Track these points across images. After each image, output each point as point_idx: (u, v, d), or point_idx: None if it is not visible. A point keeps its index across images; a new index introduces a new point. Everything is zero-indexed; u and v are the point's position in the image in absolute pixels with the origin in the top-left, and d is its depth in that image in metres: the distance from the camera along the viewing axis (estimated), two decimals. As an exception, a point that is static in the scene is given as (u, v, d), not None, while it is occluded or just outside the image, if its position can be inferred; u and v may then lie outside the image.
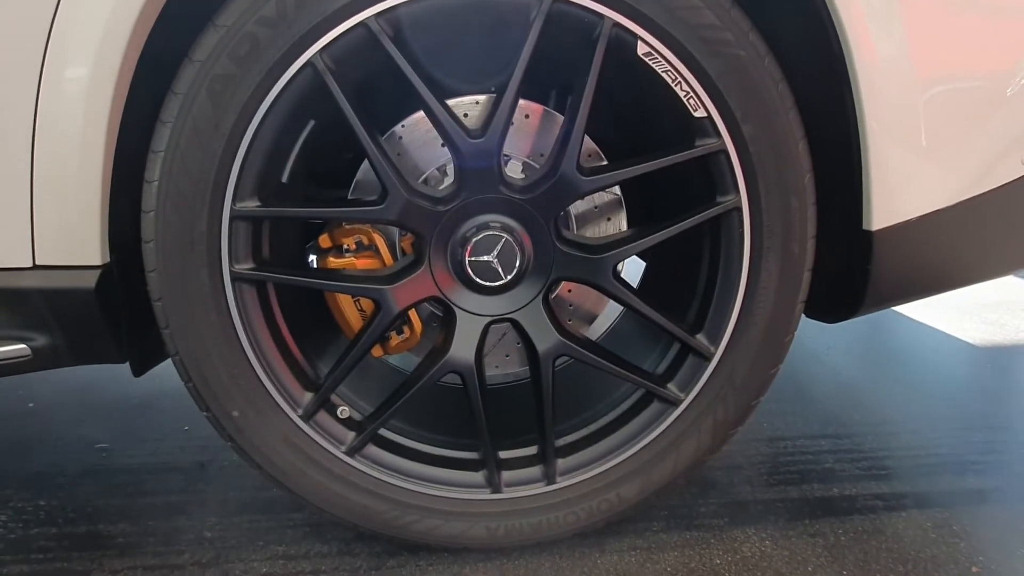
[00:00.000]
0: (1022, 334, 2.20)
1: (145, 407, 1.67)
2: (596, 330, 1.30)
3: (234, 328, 1.00)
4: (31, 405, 1.72)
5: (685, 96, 0.98)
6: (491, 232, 1.02)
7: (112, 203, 0.97)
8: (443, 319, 1.10)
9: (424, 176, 1.13)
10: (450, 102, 1.09)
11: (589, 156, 1.15)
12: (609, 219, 1.18)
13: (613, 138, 1.17)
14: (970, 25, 1.01)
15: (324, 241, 1.13)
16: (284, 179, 1.04)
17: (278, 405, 1.04)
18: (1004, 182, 1.12)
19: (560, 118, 1.11)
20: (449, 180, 1.09)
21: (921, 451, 1.45)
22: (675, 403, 1.10)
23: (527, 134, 1.13)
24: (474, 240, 1.02)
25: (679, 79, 0.97)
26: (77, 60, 0.90)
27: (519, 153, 1.13)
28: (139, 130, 0.97)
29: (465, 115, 1.12)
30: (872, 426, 1.56)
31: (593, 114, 0.99)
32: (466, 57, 1.05)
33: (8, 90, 0.91)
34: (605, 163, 1.14)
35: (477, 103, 1.12)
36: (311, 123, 1.03)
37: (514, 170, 1.13)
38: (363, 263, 1.10)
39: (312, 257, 1.16)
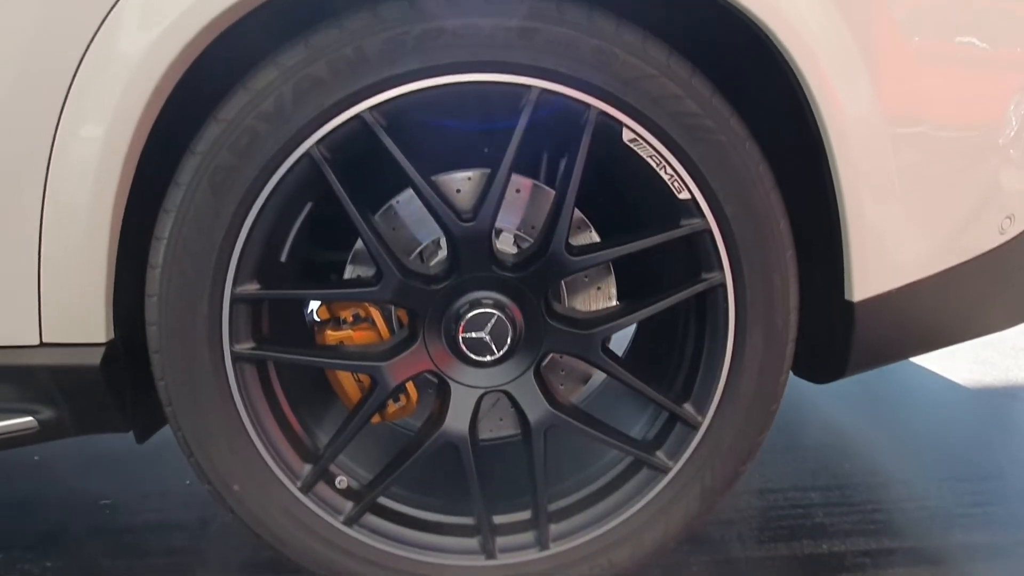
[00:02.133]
0: (1011, 374, 2.23)
1: (148, 458, 1.70)
2: (589, 387, 1.33)
3: (235, 406, 1.03)
4: (36, 459, 1.75)
5: (670, 179, 1.02)
6: (483, 309, 1.05)
7: (117, 280, 1.01)
8: (438, 389, 1.13)
9: (420, 248, 1.17)
10: (442, 177, 1.14)
11: (578, 228, 1.18)
12: (599, 288, 1.22)
13: (601, 212, 1.21)
14: (942, 97, 1.05)
15: (322, 313, 1.16)
16: (283, 258, 1.07)
17: (278, 478, 1.07)
18: (984, 250, 1.15)
19: (549, 192, 1.15)
20: (444, 253, 1.12)
21: (910, 503, 1.48)
22: (664, 470, 1.13)
23: (518, 208, 1.17)
24: (467, 317, 1.05)
25: (663, 163, 1.01)
26: (86, 144, 0.94)
27: (510, 226, 1.17)
28: (144, 212, 1.01)
29: (458, 191, 1.15)
30: (862, 476, 1.59)
31: (582, 191, 1.03)
32: (458, 138, 1.09)
33: (18, 172, 0.95)
34: (594, 241, 1.17)
35: (469, 179, 1.15)
36: (309, 204, 1.07)
37: (505, 242, 1.16)
38: (360, 335, 1.13)
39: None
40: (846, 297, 1.09)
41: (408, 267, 1.05)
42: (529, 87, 0.97)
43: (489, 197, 1.01)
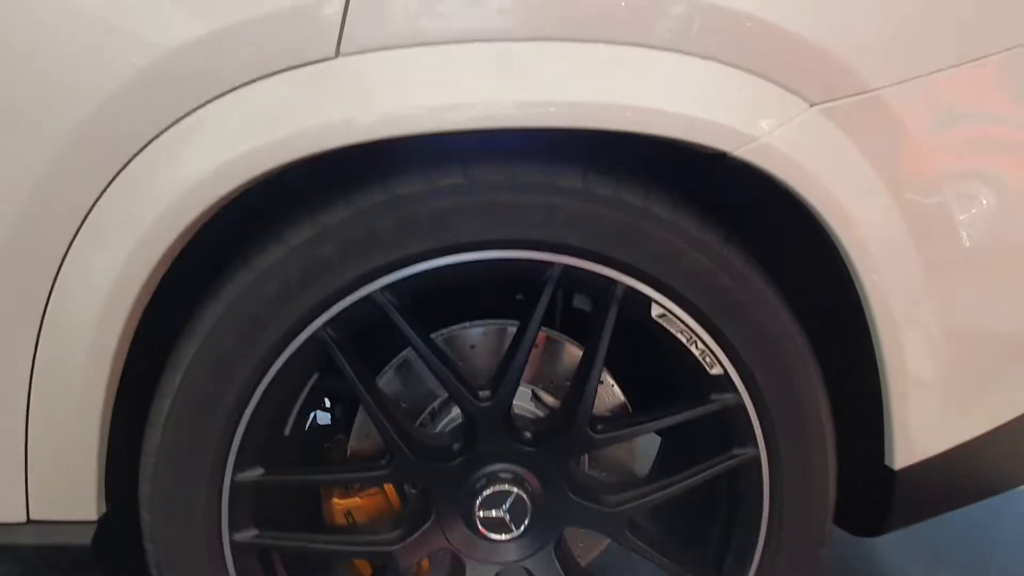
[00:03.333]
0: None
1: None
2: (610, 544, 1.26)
3: (235, 597, 0.96)
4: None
5: (701, 354, 0.95)
6: (501, 486, 0.99)
7: (108, 455, 0.95)
8: (451, 563, 1.06)
9: (434, 404, 1.10)
10: (455, 332, 1.07)
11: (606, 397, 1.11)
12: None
13: (627, 372, 1.14)
14: (989, 267, 0.99)
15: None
16: (286, 432, 1.01)
17: (279, 668, 1.00)
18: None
19: (567, 345, 1.09)
20: (458, 417, 1.06)
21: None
22: (695, 649, 1.05)
23: (533, 361, 1.10)
24: (484, 494, 0.98)
25: (695, 338, 0.95)
26: (77, 323, 0.88)
27: (525, 380, 1.10)
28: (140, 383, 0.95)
29: (472, 346, 1.09)
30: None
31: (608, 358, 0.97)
32: (476, 301, 1.03)
33: (6, 347, 0.89)
34: (619, 401, 1.11)
35: (484, 334, 1.09)
36: (314, 376, 1.00)
37: (523, 398, 1.09)
38: (369, 504, 1.07)
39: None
40: (887, 463, 1.02)
41: (420, 443, 0.99)
42: (552, 263, 0.91)
43: (507, 379, 0.94)
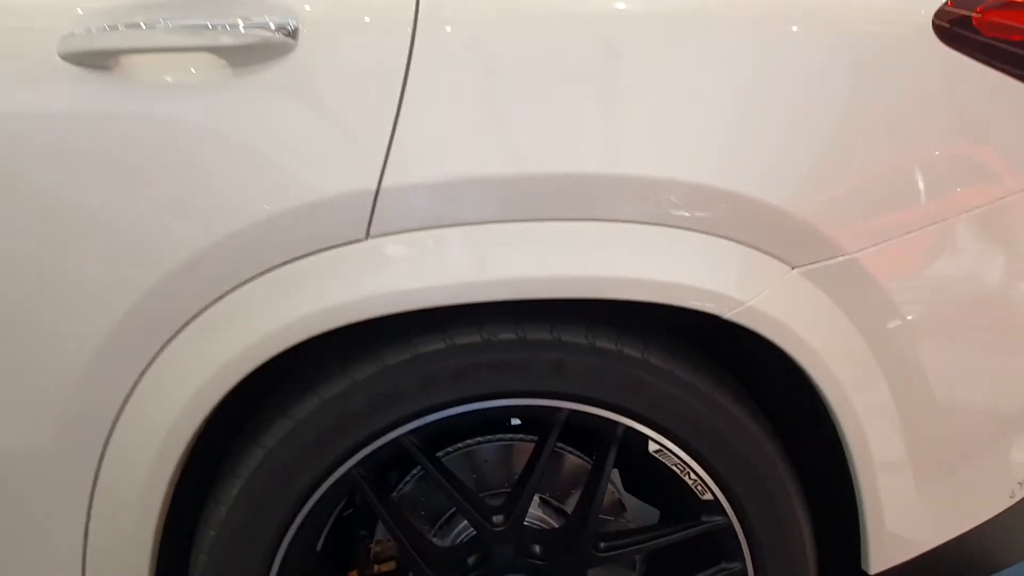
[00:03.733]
0: None
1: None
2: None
3: None
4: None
5: (693, 484, 1.06)
6: (513, 595, 1.10)
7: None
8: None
9: (452, 510, 1.20)
10: (472, 446, 1.17)
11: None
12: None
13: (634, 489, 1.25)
14: (954, 388, 1.09)
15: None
16: (318, 548, 1.11)
17: None
18: (996, 513, 1.20)
19: (573, 458, 1.19)
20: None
21: None
22: None
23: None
24: (497, 604, 1.09)
25: (687, 470, 1.05)
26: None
27: (535, 488, 1.20)
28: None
29: (485, 460, 1.19)
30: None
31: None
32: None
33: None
34: (622, 531, 1.21)
35: (497, 450, 1.19)
36: (344, 499, 1.10)
37: (532, 504, 1.20)
38: (389, 604, 1.17)
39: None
40: (863, 568, 1.13)
41: (437, 558, 1.09)
42: (559, 408, 1.01)
43: (518, 509, 1.05)
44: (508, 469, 1.18)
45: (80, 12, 0.87)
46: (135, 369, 0.94)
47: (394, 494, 1.15)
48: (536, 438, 1.11)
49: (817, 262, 0.98)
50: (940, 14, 0.96)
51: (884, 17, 0.98)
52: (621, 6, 0.94)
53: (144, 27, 0.85)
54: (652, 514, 1.26)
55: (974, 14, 0.98)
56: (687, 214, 0.94)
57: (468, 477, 1.16)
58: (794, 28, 0.95)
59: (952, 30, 0.97)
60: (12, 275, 0.91)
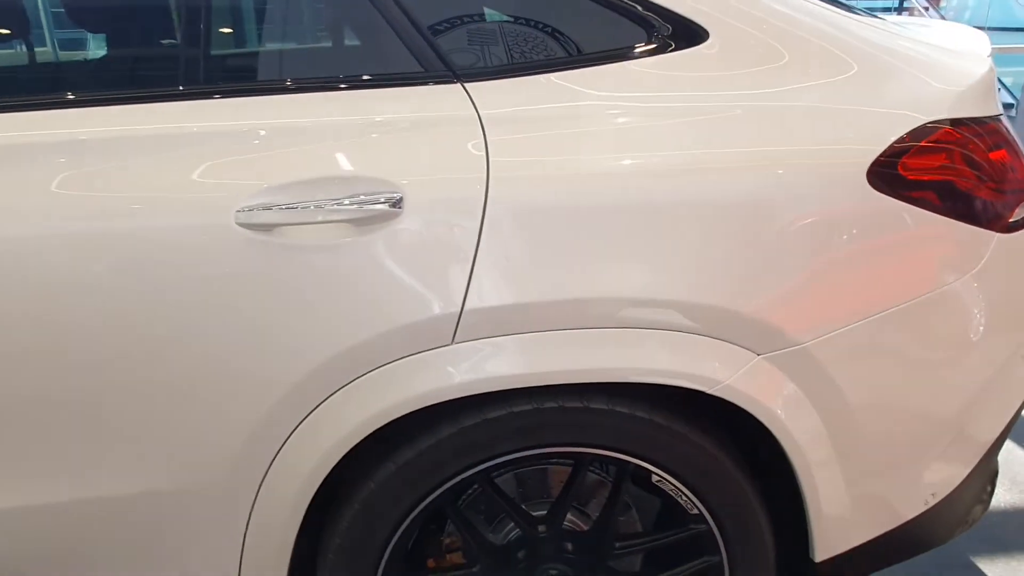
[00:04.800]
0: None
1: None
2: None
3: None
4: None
5: (684, 503, 1.45)
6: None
7: None
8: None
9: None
10: (523, 469, 1.56)
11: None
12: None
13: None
14: (882, 434, 1.47)
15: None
16: (409, 546, 1.51)
17: None
18: (913, 516, 1.58)
19: (596, 477, 1.58)
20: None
21: None
22: None
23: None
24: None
25: (680, 493, 1.44)
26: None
27: (566, 496, 1.60)
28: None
29: (529, 478, 1.58)
30: None
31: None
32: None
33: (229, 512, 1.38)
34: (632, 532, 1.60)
35: (542, 471, 1.58)
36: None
37: (563, 508, 1.60)
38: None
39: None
40: (811, 557, 1.53)
41: (496, 552, 1.49)
42: (584, 454, 1.39)
43: (555, 521, 1.45)
44: (547, 486, 1.57)
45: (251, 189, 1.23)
46: (290, 427, 1.32)
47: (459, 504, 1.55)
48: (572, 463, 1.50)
49: (776, 351, 1.34)
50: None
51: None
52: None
53: (298, 208, 1.20)
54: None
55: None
56: (679, 321, 1.31)
57: (514, 490, 1.56)
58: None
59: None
60: (214, 375, 1.29)
